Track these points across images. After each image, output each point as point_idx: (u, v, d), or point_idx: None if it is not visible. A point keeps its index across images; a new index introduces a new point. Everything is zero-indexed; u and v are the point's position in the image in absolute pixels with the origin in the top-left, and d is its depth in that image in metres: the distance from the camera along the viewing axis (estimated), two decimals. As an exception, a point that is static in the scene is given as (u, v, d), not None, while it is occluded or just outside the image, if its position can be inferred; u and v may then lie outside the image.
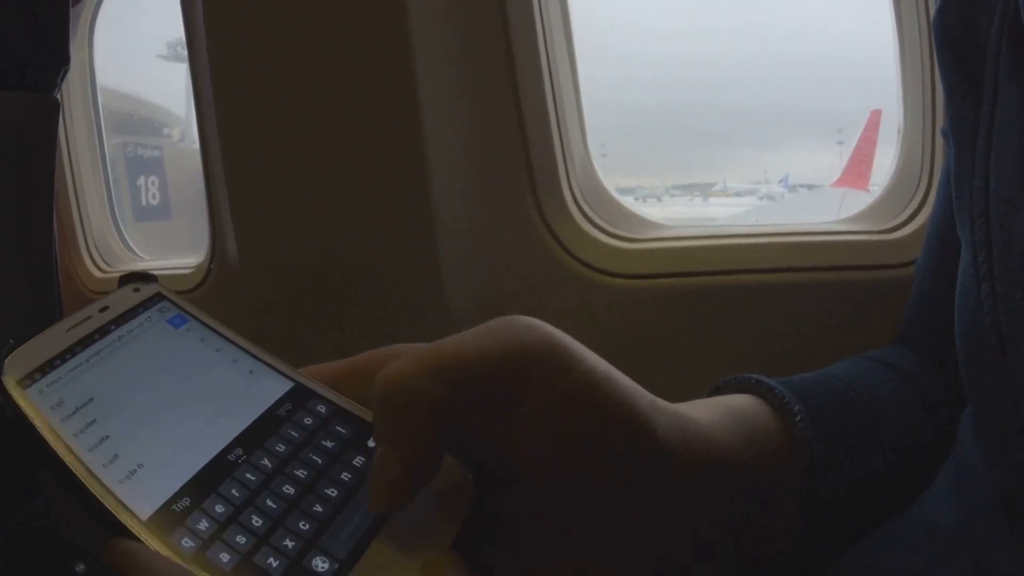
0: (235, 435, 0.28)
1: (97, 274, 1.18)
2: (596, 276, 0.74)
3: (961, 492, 0.34)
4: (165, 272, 1.12)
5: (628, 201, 0.80)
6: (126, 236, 1.24)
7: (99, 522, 0.24)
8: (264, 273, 0.82)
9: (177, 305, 0.33)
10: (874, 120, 1.36)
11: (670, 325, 0.72)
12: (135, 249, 1.24)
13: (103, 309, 0.31)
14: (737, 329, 0.71)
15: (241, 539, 0.24)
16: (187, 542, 0.23)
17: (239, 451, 0.27)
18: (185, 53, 0.87)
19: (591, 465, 0.27)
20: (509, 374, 0.26)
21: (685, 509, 0.29)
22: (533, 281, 0.76)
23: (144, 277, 0.34)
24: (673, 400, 0.30)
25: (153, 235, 1.43)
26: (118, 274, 1.25)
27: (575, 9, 0.79)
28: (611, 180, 0.81)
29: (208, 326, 0.33)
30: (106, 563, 0.23)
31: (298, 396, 0.30)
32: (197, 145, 0.89)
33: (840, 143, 1.48)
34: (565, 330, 0.28)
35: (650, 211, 0.80)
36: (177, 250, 1.23)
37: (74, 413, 0.27)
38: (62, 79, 0.66)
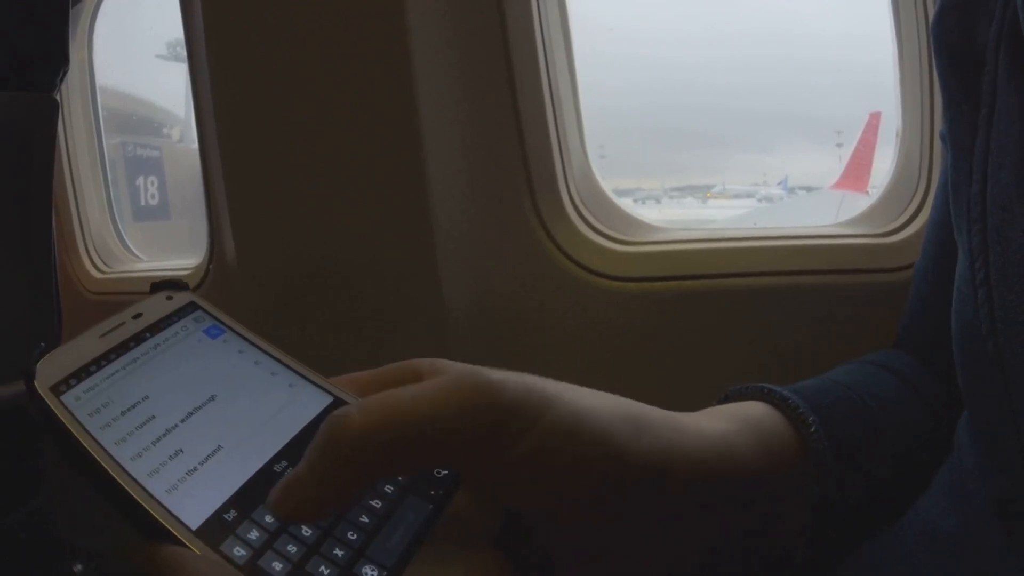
0: (279, 448, 0.28)
1: (96, 274, 1.18)
2: (593, 279, 0.74)
3: (958, 496, 0.34)
4: (164, 273, 1.12)
5: (626, 203, 0.80)
6: (125, 237, 1.23)
7: (143, 531, 0.24)
8: (262, 274, 0.82)
9: (212, 315, 0.33)
10: (873, 123, 1.36)
11: (667, 328, 0.72)
12: (134, 249, 1.24)
13: (136, 316, 0.31)
14: (735, 332, 0.71)
15: (292, 548, 0.24)
16: (239, 551, 0.24)
17: (284, 463, 0.27)
18: (185, 53, 0.87)
19: (575, 504, 0.27)
20: (461, 439, 0.25)
21: (691, 521, 0.29)
22: (530, 284, 0.76)
23: (176, 285, 0.33)
24: (670, 403, 0.30)
25: (152, 235, 1.43)
26: (117, 274, 1.25)
27: (573, 13, 0.79)
28: (610, 182, 0.81)
29: (244, 337, 0.32)
30: (112, 563, 0.23)
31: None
32: (196, 145, 0.89)
33: (839, 145, 1.48)
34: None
35: (649, 213, 0.80)
36: (176, 250, 1.23)
37: (113, 421, 0.26)
38: (61, 79, 0.66)
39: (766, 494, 0.31)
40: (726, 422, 0.32)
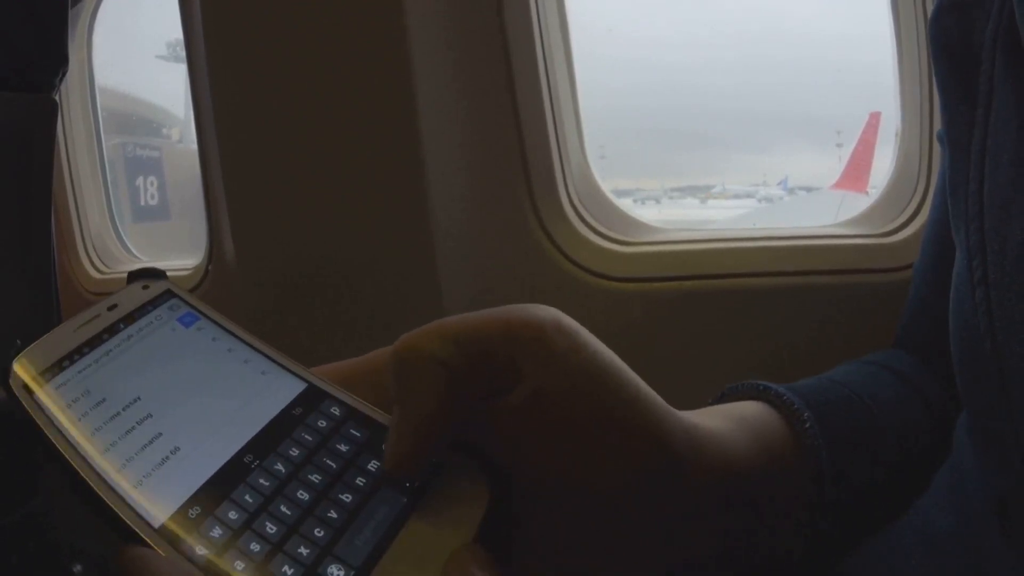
0: (248, 439, 0.27)
1: (95, 275, 1.18)
2: (592, 279, 0.74)
3: (957, 496, 0.34)
4: (163, 273, 1.12)
5: (626, 204, 0.80)
6: (124, 237, 1.23)
7: (112, 528, 0.24)
8: (261, 274, 0.82)
9: (187, 303, 0.32)
10: (873, 123, 1.35)
11: (666, 329, 0.72)
12: (133, 250, 1.24)
13: (111, 307, 0.30)
14: (734, 333, 0.71)
15: (256, 546, 0.23)
16: (201, 549, 0.23)
17: (252, 455, 0.27)
18: (185, 53, 0.87)
19: (596, 458, 0.27)
20: (515, 341, 0.26)
21: (695, 518, 0.29)
22: (529, 284, 0.76)
23: (153, 274, 0.33)
24: (670, 403, 0.30)
25: (152, 235, 1.43)
26: (117, 275, 1.25)
27: (573, 15, 0.79)
28: (610, 183, 0.81)
29: (219, 324, 0.32)
30: (111, 565, 0.23)
31: (311, 397, 0.30)
32: (196, 145, 0.89)
33: (839, 145, 1.48)
34: None
35: (649, 213, 0.80)
36: (175, 251, 1.23)
37: (84, 416, 0.26)
38: (60, 80, 0.66)
39: (763, 493, 0.31)
40: (722, 421, 0.32)
